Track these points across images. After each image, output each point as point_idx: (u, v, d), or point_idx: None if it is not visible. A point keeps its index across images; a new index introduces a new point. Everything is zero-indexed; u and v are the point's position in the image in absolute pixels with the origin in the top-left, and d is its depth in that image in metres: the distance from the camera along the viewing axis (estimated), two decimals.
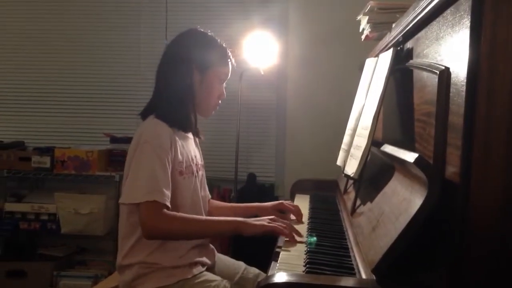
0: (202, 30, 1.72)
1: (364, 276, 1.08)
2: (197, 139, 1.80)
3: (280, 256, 1.34)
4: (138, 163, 1.50)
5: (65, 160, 3.16)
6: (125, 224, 1.57)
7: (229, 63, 1.70)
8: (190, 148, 1.69)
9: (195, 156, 1.71)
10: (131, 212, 1.53)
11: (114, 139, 3.34)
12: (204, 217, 1.66)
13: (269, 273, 1.20)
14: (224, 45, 1.71)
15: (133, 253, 1.55)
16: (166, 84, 1.64)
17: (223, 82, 1.71)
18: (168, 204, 1.47)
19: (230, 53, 1.71)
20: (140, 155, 1.50)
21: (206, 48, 1.66)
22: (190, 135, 1.72)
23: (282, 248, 1.41)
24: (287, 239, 1.49)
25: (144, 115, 1.64)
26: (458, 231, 0.92)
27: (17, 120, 3.64)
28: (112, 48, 3.56)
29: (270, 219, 1.55)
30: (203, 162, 1.78)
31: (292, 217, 1.79)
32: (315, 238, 1.47)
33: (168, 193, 1.48)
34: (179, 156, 1.57)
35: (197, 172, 1.69)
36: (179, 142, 1.59)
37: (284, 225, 1.52)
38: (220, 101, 1.72)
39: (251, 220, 1.54)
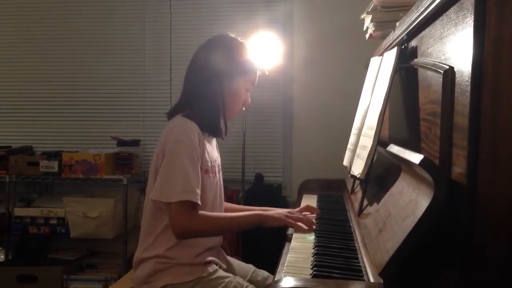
0: (232, 36, 1.74)
1: (372, 279, 1.07)
2: (215, 142, 1.82)
3: (287, 258, 1.34)
4: (171, 161, 1.54)
5: (72, 164, 3.17)
6: (149, 220, 1.61)
7: (256, 71, 1.74)
8: (214, 149, 1.74)
9: (217, 158, 1.76)
10: (157, 209, 1.58)
11: (121, 142, 3.35)
12: (229, 214, 1.73)
13: (276, 277, 1.20)
14: (252, 52, 1.73)
15: (153, 247, 1.59)
16: (196, 91, 1.67)
17: (250, 90, 1.75)
18: (200, 202, 1.53)
19: (258, 61, 1.75)
20: (172, 153, 1.54)
21: (235, 57, 1.68)
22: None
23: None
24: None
25: (171, 115, 1.68)
26: (467, 233, 0.91)
27: (25, 125, 3.66)
28: (117, 51, 3.58)
29: (289, 212, 1.68)
30: (220, 162, 1.81)
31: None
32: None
33: (199, 192, 1.53)
34: (206, 155, 1.62)
35: (218, 173, 1.74)
36: (206, 142, 1.63)
37: (301, 219, 1.63)
38: (244, 108, 1.77)
39: (273, 213, 1.65)
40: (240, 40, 1.73)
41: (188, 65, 1.72)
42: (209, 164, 1.64)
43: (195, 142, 1.55)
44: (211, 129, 1.66)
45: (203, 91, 1.65)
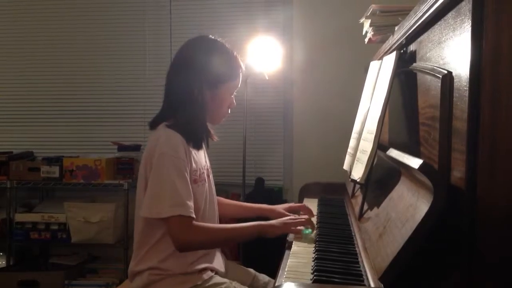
0: (212, 38, 1.68)
1: (372, 284, 1.07)
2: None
3: (288, 263, 1.34)
4: (158, 175, 1.50)
5: (73, 169, 3.18)
6: (140, 233, 1.59)
7: (240, 73, 1.69)
8: (201, 155, 1.70)
9: (205, 163, 1.72)
10: (147, 224, 1.55)
11: (121, 147, 3.36)
12: (229, 225, 1.68)
13: (277, 282, 1.20)
14: (235, 55, 1.68)
15: (146, 259, 1.57)
16: (179, 99, 1.61)
17: (234, 93, 1.71)
18: (193, 215, 1.49)
19: (241, 62, 1.69)
20: (158, 167, 1.50)
21: (217, 64, 1.62)
22: None
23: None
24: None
25: (154, 124, 1.63)
26: (466, 237, 0.91)
27: (25, 130, 3.67)
28: (117, 56, 3.59)
29: (291, 219, 1.65)
30: (210, 165, 1.78)
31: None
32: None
33: (191, 204, 1.49)
34: (193, 165, 1.58)
35: (207, 177, 1.70)
36: (192, 151, 1.59)
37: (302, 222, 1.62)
38: (229, 110, 1.73)
39: (274, 223, 1.61)
40: (222, 42, 1.67)
41: (170, 66, 1.67)
42: (198, 172, 1.60)
43: (181, 153, 1.51)
44: (195, 141, 1.60)
45: (185, 100, 1.59)
